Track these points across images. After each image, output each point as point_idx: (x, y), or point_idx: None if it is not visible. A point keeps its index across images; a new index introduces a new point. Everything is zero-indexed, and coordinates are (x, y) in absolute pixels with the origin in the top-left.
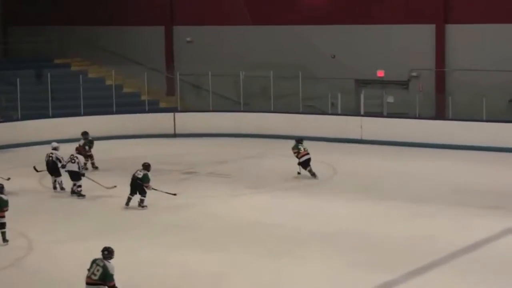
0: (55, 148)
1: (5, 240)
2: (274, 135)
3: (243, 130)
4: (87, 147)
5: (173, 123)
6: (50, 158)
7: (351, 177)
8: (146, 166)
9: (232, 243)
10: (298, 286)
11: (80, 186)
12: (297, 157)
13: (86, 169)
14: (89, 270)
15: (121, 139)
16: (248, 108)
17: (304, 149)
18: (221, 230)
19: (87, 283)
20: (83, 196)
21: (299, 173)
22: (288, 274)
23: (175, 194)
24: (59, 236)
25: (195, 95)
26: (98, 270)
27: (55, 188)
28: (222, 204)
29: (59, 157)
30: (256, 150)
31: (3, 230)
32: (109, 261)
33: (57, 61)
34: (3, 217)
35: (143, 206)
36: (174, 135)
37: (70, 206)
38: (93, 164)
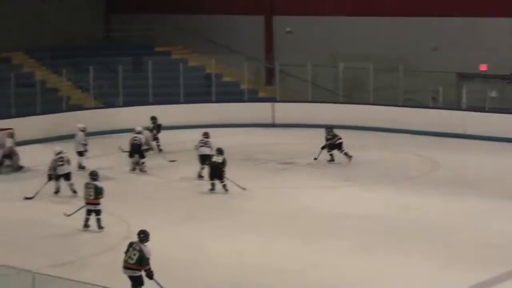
0: (139, 132)
1: (100, 227)
2: (372, 127)
3: (341, 122)
4: (155, 131)
5: (271, 112)
6: (135, 141)
7: (451, 172)
8: (222, 151)
9: (323, 235)
10: (389, 283)
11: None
12: (332, 141)
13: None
14: (126, 253)
15: (220, 128)
16: (347, 99)
17: (337, 134)
18: (312, 221)
19: (124, 267)
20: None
21: (315, 158)
22: (379, 269)
23: (244, 189)
24: (153, 221)
25: (292, 85)
26: (134, 254)
27: (134, 169)
28: (317, 196)
29: (143, 141)
30: (354, 142)
31: (98, 217)
32: (145, 244)
33: (157, 49)
34: (99, 204)
35: (226, 190)
36: (273, 125)
37: (162, 191)
38: (158, 146)
